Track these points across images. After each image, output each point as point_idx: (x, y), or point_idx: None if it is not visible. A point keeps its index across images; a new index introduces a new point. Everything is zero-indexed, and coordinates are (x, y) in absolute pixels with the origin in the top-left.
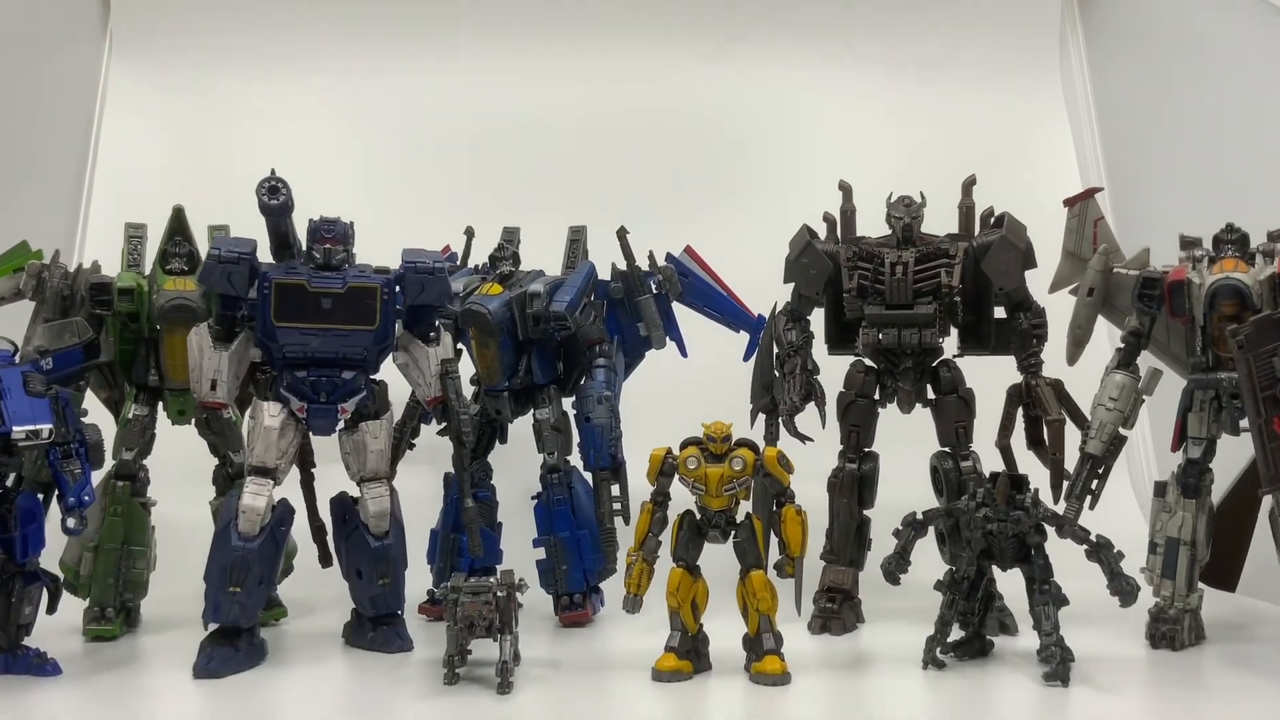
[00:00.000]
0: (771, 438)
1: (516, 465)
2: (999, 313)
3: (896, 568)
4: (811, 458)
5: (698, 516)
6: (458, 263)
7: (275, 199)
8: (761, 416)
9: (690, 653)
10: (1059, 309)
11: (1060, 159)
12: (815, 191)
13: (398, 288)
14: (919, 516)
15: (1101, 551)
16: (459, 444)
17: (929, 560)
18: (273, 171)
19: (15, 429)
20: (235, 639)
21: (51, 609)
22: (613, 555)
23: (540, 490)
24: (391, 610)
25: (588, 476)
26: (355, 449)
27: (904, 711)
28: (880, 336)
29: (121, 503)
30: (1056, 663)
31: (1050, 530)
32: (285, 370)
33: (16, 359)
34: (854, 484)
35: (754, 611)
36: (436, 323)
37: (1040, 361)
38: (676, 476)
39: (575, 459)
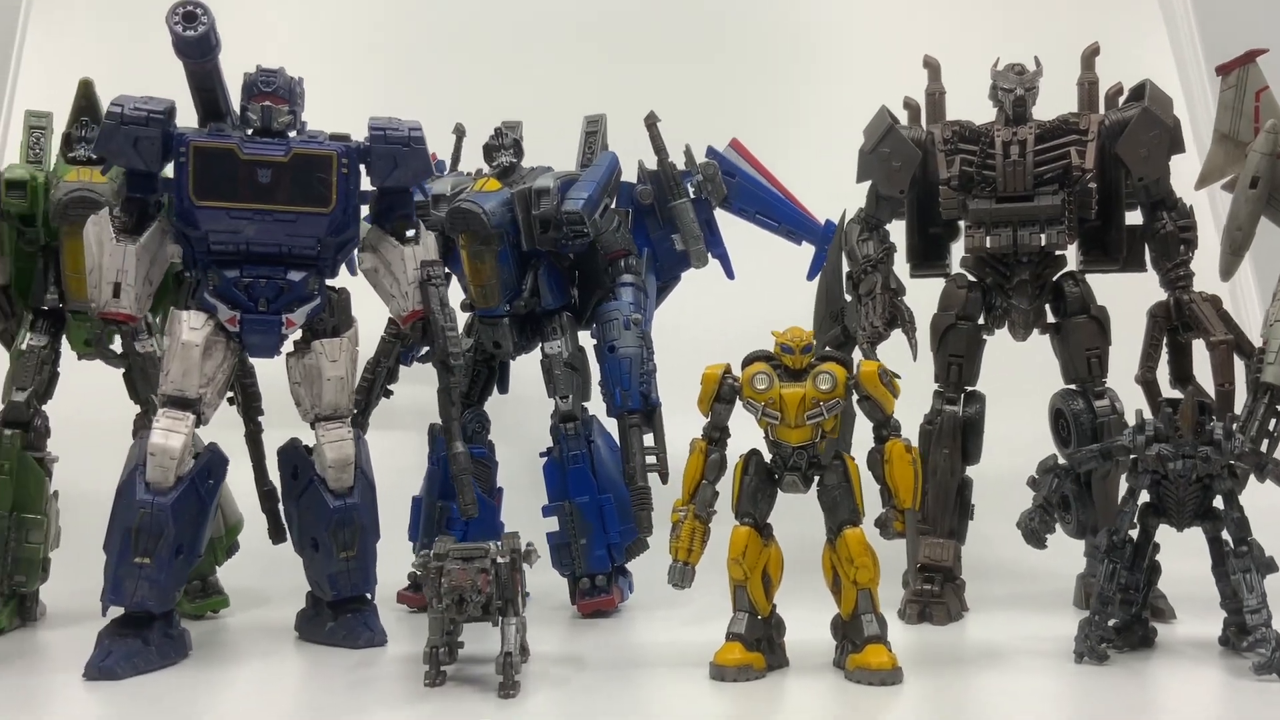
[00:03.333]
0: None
1: (522, 419)
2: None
3: (1041, 526)
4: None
5: (768, 457)
6: (445, 171)
7: (192, 28)
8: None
9: (762, 642)
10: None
11: (1157, 66)
12: (879, 83)
13: (362, 165)
14: (1060, 461)
15: None
16: (445, 370)
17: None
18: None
19: None
20: (144, 629)
21: None
22: (647, 521)
23: (551, 445)
24: (358, 593)
25: (611, 426)
26: (307, 376)
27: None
28: (990, 239)
29: (9, 458)
30: (1273, 649)
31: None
32: (211, 269)
33: None
34: (955, 431)
35: (849, 584)
36: (414, 215)
37: (1191, 274)
38: (739, 403)
39: (594, 405)
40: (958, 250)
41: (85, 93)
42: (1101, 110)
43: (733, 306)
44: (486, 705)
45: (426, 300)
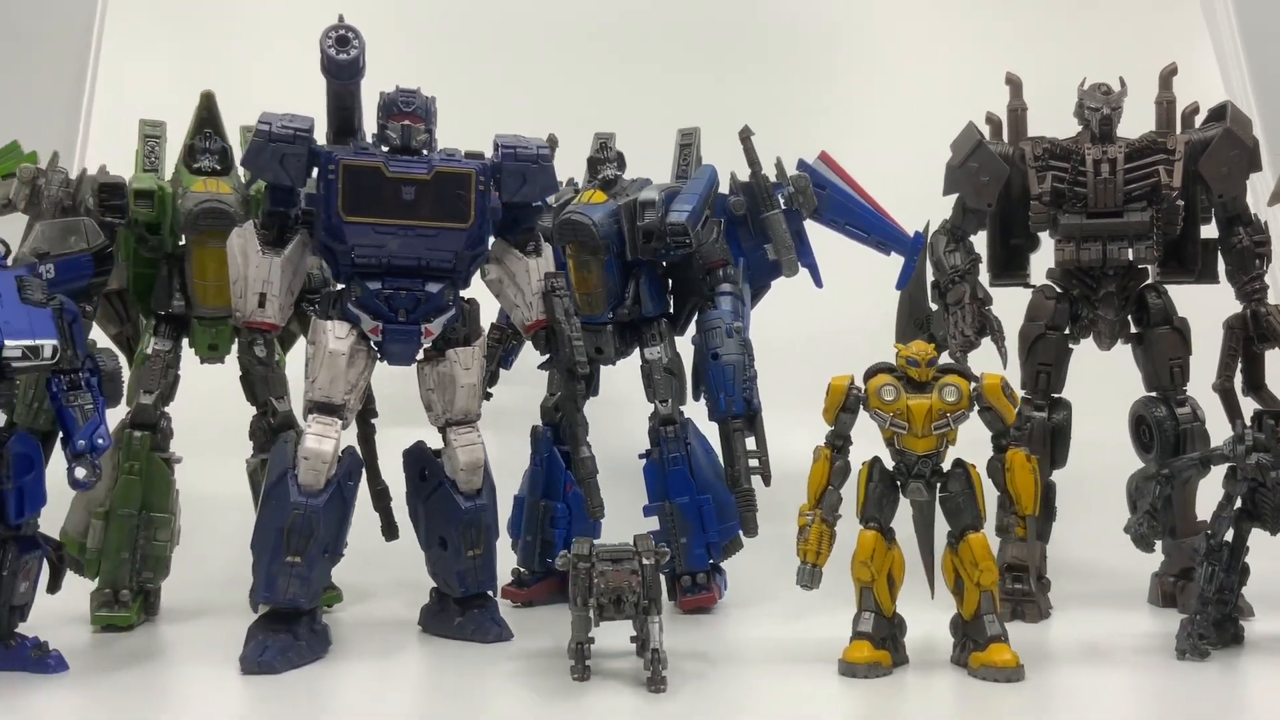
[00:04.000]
0: None
1: (614, 418)
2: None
3: (1150, 531)
4: None
5: (890, 465)
6: None
7: (344, 52)
8: None
9: (886, 641)
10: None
11: (1202, 78)
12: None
13: (493, 180)
14: (1164, 471)
15: None
16: (571, 377)
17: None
18: (341, 17)
19: (8, 343)
20: (293, 624)
21: (53, 587)
22: (752, 523)
23: (650, 448)
24: (483, 589)
25: (707, 429)
26: (441, 384)
27: (1185, 714)
28: (1081, 252)
29: (139, 458)
30: None
31: None
32: (354, 281)
33: (9, 261)
34: (1045, 438)
35: (972, 586)
36: (537, 229)
37: (1266, 286)
38: (863, 412)
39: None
40: (1035, 260)
41: (207, 104)
42: (1178, 127)
43: (812, 314)
44: (640, 699)
45: (551, 310)
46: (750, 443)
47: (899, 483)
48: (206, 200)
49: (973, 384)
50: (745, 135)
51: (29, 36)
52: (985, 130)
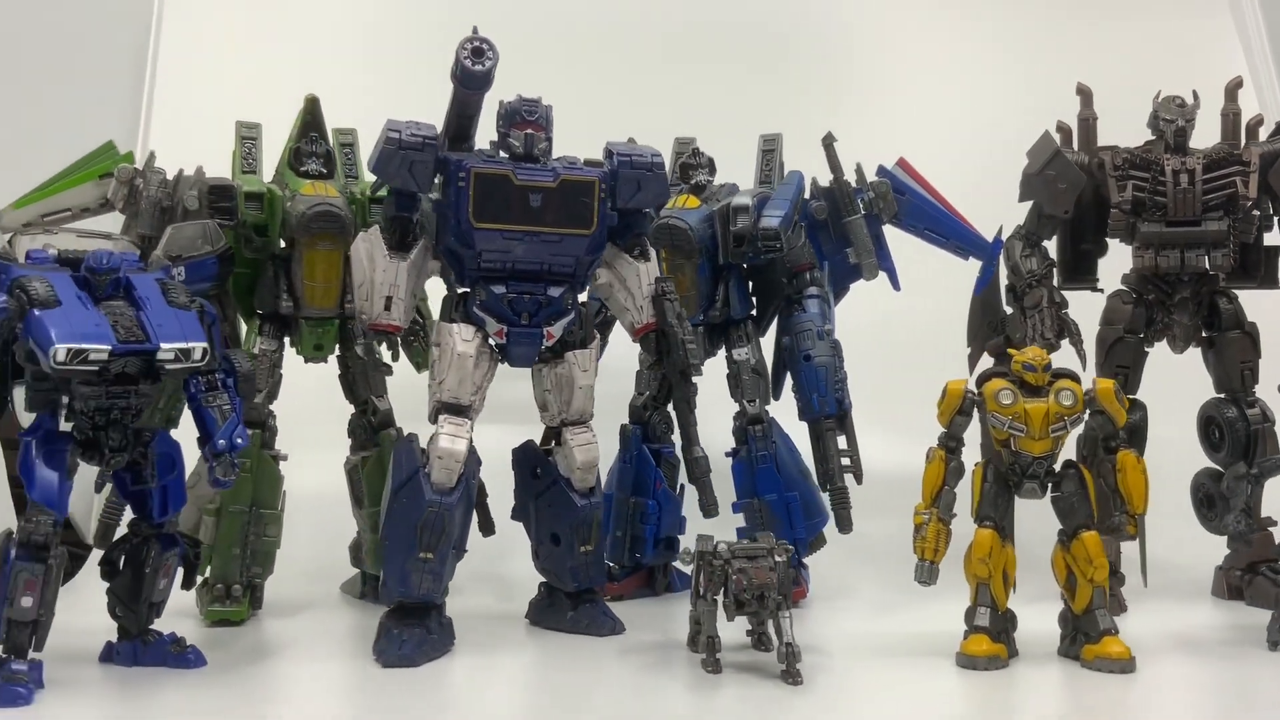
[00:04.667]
0: None
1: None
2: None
3: (1248, 528)
4: None
5: (1002, 466)
6: None
7: (480, 63)
8: (988, 359)
9: (1001, 634)
10: None
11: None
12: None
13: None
14: (1253, 470)
15: None
16: (684, 380)
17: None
18: (475, 29)
19: (164, 346)
20: (425, 618)
21: (187, 583)
22: (847, 519)
23: (737, 446)
24: (595, 584)
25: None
26: (559, 385)
27: None
28: (1160, 259)
29: (250, 455)
30: None
31: None
32: (479, 285)
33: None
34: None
35: (1085, 582)
36: (647, 234)
37: None
38: (977, 415)
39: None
40: (1102, 265)
41: (311, 109)
42: (1243, 138)
43: (880, 316)
44: (780, 690)
45: (663, 314)
46: (842, 441)
47: (1012, 483)
48: (319, 204)
49: (1086, 388)
50: (828, 142)
51: (86, 36)
52: (1056, 138)
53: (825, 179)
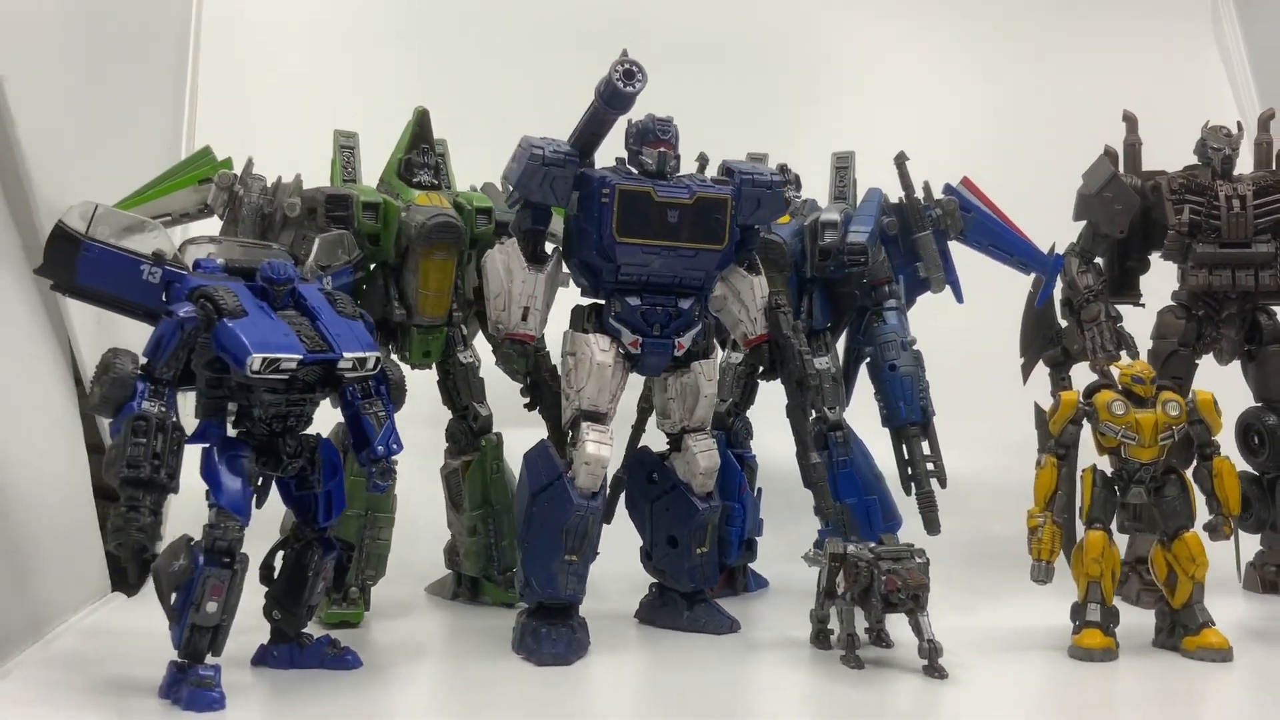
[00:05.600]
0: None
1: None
2: None
3: None
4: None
5: (1109, 472)
6: None
7: (631, 85)
8: (1042, 370)
9: (1109, 628)
10: None
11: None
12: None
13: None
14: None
15: None
16: (801, 389)
17: None
18: (625, 52)
19: (345, 355)
20: (568, 618)
21: (338, 585)
22: (935, 521)
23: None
24: (709, 585)
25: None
26: (683, 394)
27: None
28: (1212, 279)
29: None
30: None
31: None
32: (615, 296)
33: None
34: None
35: (1186, 579)
36: (755, 250)
37: None
38: (1087, 425)
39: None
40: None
41: (420, 120)
42: (1274, 164)
43: (936, 328)
44: (926, 685)
45: (777, 325)
46: (925, 447)
47: (1118, 488)
48: (438, 215)
49: (1188, 400)
50: (900, 160)
51: (128, 33)
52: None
53: (895, 195)
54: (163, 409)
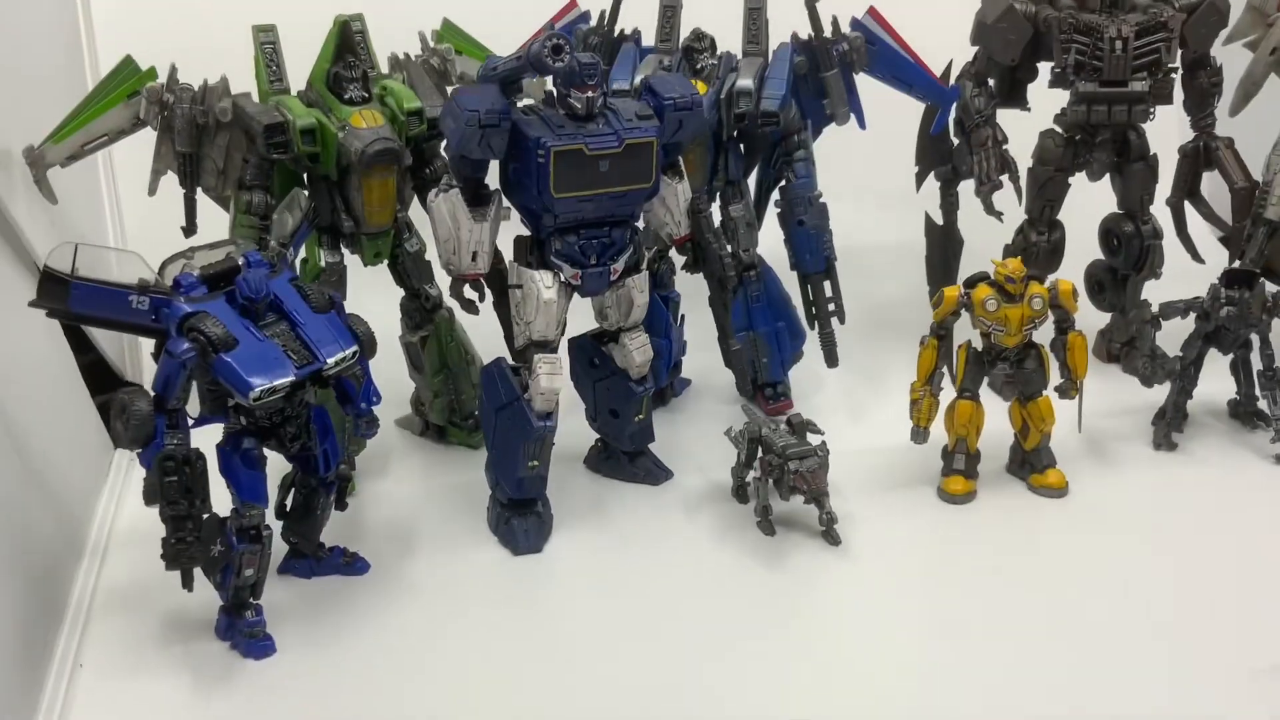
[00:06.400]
0: (950, 207)
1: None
2: None
3: (1153, 373)
4: None
5: (980, 349)
6: (590, 23)
7: (559, 59)
8: (933, 184)
9: (972, 472)
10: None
11: None
12: None
13: None
14: (1155, 311)
15: None
16: (721, 286)
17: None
18: (553, 25)
19: (329, 361)
20: (535, 507)
21: (340, 506)
22: (833, 356)
23: (735, 288)
24: (646, 443)
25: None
26: (619, 303)
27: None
28: (1091, 114)
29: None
30: None
31: None
32: (553, 236)
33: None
34: (1048, 256)
35: (1036, 432)
36: (680, 162)
37: (1214, 119)
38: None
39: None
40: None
41: (342, 32)
42: None
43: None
44: (828, 548)
45: (699, 228)
46: (828, 288)
47: (986, 361)
48: (376, 141)
49: (1049, 289)
50: (811, 2)
51: None
52: None
53: (804, 33)
54: (182, 438)
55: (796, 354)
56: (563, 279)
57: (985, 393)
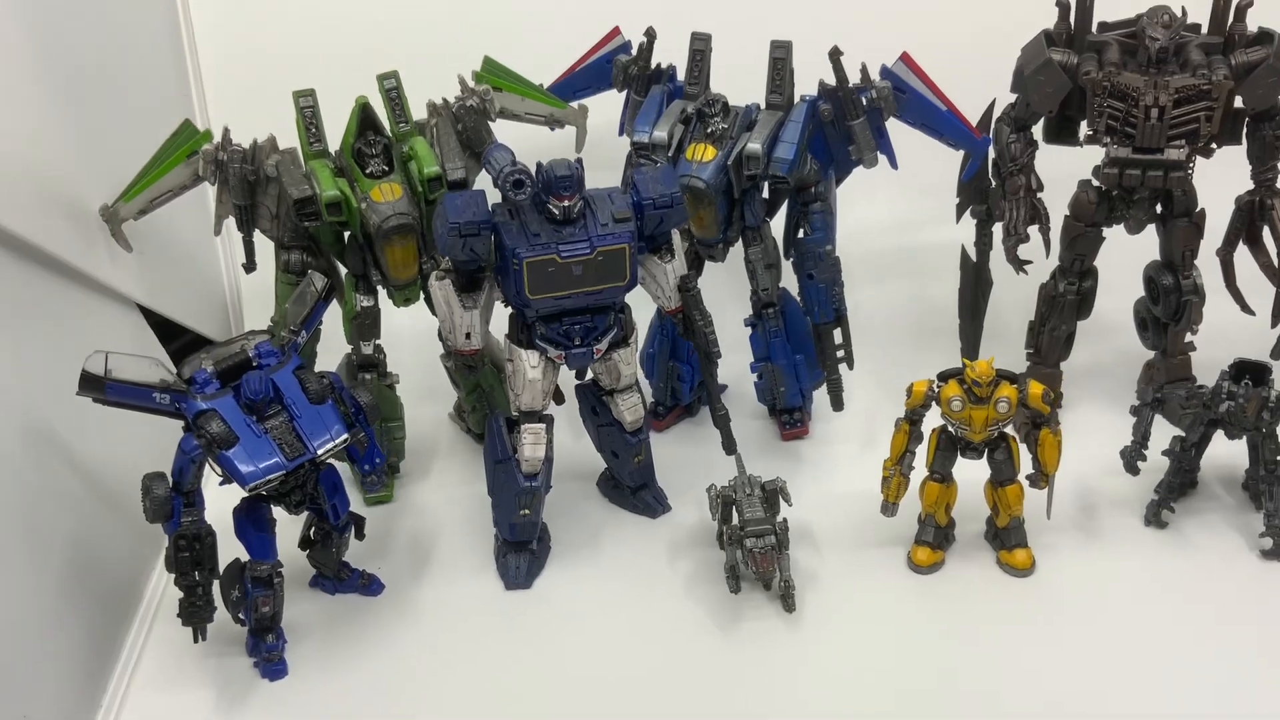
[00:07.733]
0: (984, 248)
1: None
2: None
3: (1136, 457)
4: None
5: (954, 434)
6: (631, 52)
7: (521, 193)
8: (970, 221)
9: (941, 542)
10: None
11: None
12: None
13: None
14: (1158, 395)
15: None
16: (707, 360)
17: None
18: (514, 160)
19: (319, 451)
20: (528, 545)
21: (359, 537)
22: (839, 399)
23: (756, 320)
24: (646, 480)
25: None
26: (608, 371)
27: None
28: (1123, 178)
29: (373, 392)
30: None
31: None
32: (537, 323)
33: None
34: (1074, 309)
35: (1006, 515)
36: (672, 243)
37: (1276, 174)
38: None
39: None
40: None
41: (364, 111)
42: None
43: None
44: (784, 616)
45: (688, 305)
46: (837, 335)
47: (959, 447)
48: (392, 217)
49: (1020, 389)
50: (835, 55)
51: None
52: (1055, 12)
53: (830, 79)
54: (196, 515)
55: (817, 381)
56: (549, 357)
57: (963, 465)
